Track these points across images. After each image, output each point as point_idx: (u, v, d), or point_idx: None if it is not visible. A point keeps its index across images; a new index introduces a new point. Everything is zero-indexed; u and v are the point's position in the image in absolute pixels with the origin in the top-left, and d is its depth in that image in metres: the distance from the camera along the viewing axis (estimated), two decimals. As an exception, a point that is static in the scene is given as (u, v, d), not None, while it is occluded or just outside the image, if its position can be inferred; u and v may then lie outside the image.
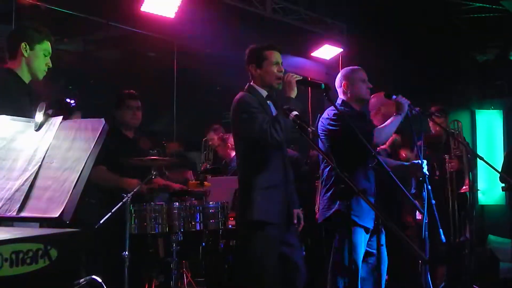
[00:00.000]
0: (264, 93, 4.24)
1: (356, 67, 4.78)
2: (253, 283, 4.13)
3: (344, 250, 4.33)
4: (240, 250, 5.06)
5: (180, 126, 8.73)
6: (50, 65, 3.73)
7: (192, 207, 5.01)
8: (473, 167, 6.94)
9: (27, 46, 3.61)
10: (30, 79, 3.68)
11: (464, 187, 6.61)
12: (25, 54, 3.61)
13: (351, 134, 4.19)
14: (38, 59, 3.65)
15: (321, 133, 4.61)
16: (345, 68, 4.80)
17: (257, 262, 4.08)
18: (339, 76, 4.79)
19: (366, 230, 4.47)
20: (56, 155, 2.38)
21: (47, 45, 3.70)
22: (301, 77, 4.17)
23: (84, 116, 2.72)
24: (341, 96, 4.76)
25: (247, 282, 4.26)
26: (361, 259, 4.46)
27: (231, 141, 6.71)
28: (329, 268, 4.54)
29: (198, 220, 5.00)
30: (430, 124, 6.73)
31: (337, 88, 4.78)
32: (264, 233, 4.05)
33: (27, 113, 3.10)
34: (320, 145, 4.42)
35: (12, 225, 2.51)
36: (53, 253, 1.95)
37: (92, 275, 3.97)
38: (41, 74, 3.70)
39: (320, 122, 4.70)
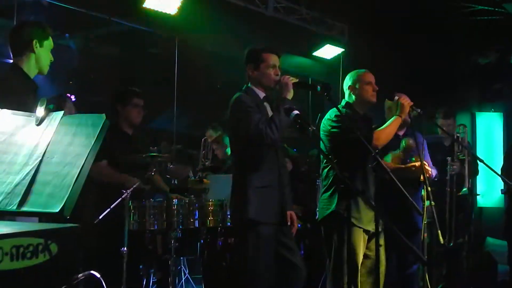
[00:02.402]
0: (261, 94, 4.25)
1: (362, 69, 4.78)
2: (247, 281, 4.13)
3: (343, 251, 4.33)
4: (236, 248, 5.07)
5: (180, 124, 8.73)
6: (53, 59, 3.80)
7: (191, 204, 5.02)
8: (474, 173, 6.92)
9: (37, 43, 3.68)
10: (35, 74, 3.74)
11: (463, 191, 6.58)
12: (36, 51, 3.68)
13: (351, 135, 4.20)
14: (46, 55, 3.74)
15: (323, 133, 4.62)
16: (353, 71, 4.80)
17: (251, 260, 4.08)
18: (346, 78, 4.80)
19: (366, 232, 4.47)
20: (57, 150, 2.38)
21: (51, 41, 3.79)
22: (297, 80, 4.17)
23: (84, 112, 2.72)
24: (346, 98, 4.77)
25: (242, 281, 4.26)
26: (361, 260, 4.46)
27: (226, 140, 6.73)
28: (330, 268, 4.54)
29: (196, 217, 5.01)
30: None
31: (344, 90, 4.80)
32: (258, 232, 4.05)
33: (32, 109, 3.11)
34: (321, 145, 4.43)
35: (12, 220, 2.52)
36: (53, 248, 1.95)
37: (91, 270, 3.98)
38: (46, 69, 3.78)
39: (322, 123, 4.70)
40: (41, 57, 3.71)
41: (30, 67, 3.69)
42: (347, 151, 4.41)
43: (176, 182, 7.03)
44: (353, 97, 4.72)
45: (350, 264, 4.31)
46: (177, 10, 7.20)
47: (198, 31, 7.62)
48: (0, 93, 3.37)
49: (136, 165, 5.02)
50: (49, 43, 3.76)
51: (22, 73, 3.66)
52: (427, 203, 4.65)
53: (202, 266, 5.74)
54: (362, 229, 4.44)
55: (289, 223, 4.23)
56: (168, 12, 7.21)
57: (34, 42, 3.67)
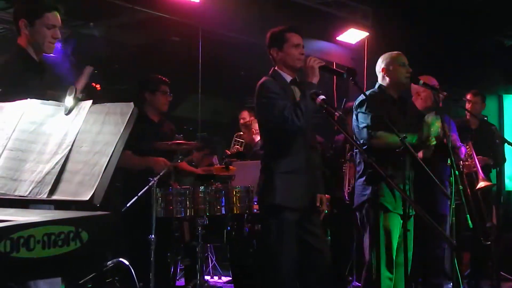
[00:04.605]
0: (288, 78, 4.22)
1: (396, 52, 4.73)
2: (270, 266, 4.14)
3: (378, 237, 4.32)
4: (260, 233, 5.09)
5: (205, 111, 8.73)
6: (59, 36, 3.49)
7: (217, 191, 5.04)
8: (499, 162, 6.80)
9: (26, 23, 3.41)
10: (40, 55, 3.51)
11: (479, 184, 6.42)
12: (26, 32, 3.42)
13: (377, 119, 4.21)
14: (40, 34, 3.42)
15: (354, 118, 4.62)
16: (385, 53, 4.76)
17: (273, 246, 4.09)
18: (378, 61, 4.76)
19: (402, 217, 4.44)
20: (86, 139, 2.39)
21: (50, 17, 3.44)
22: (324, 63, 4.14)
23: (109, 101, 2.62)
24: (379, 81, 4.73)
25: (265, 265, 4.27)
26: (396, 245, 4.43)
27: (255, 126, 6.72)
28: (368, 255, 4.54)
29: (223, 204, 5.03)
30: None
31: (377, 73, 4.76)
32: (281, 217, 4.06)
33: (37, 91, 3.09)
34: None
35: (41, 208, 2.54)
36: (84, 235, 1.97)
37: (119, 257, 4.02)
38: (48, 49, 3.48)
39: (354, 108, 4.70)
40: (34, 38, 3.42)
41: (30, 48, 3.45)
42: None
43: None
44: (387, 79, 4.68)
45: (386, 251, 4.30)
46: (200, -3, 7.19)
47: (221, 19, 7.60)
48: (3, 76, 3.29)
49: (163, 152, 5.05)
50: (43, 20, 3.41)
51: (24, 53, 3.45)
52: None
53: (229, 253, 5.77)
54: (397, 214, 4.41)
55: (318, 204, 4.22)
56: (191, 0, 7.20)
57: (21, 23, 3.41)
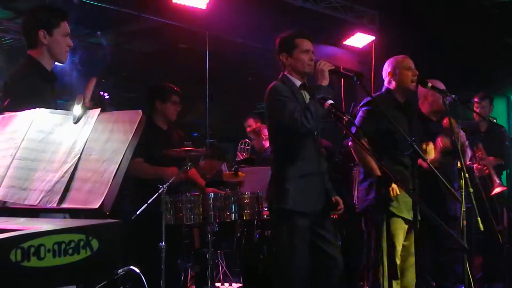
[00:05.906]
0: (298, 82, 4.22)
1: (402, 55, 4.73)
2: (282, 271, 4.14)
3: (383, 242, 4.30)
4: (273, 239, 5.08)
5: (213, 118, 8.75)
6: (71, 44, 3.53)
7: (227, 197, 5.03)
8: (510, 165, 6.74)
9: (45, 33, 3.41)
10: (53, 65, 3.52)
11: (495, 190, 6.38)
12: (45, 42, 3.42)
13: (382, 123, 4.22)
14: (59, 43, 3.45)
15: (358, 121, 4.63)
16: (391, 57, 4.76)
17: (285, 251, 4.09)
18: (385, 65, 4.76)
19: (406, 221, 4.43)
20: (95, 147, 2.40)
21: (64, 26, 3.48)
22: (334, 67, 4.13)
23: (117, 109, 2.62)
24: (386, 85, 4.73)
25: (277, 271, 4.26)
26: (400, 250, 4.42)
27: (264, 132, 6.71)
28: (371, 259, 4.52)
29: (233, 210, 5.02)
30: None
31: (383, 77, 4.76)
32: (293, 223, 4.04)
33: (50, 101, 3.10)
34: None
35: (51, 217, 2.54)
36: (95, 243, 1.97)
37: (130, 265, 4.01)
38: (64, 57, 3.52)
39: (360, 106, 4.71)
40: (53, 47, 3.43)
41: (45, 59, 3.45)
42: (379, 138, 4.40)
43: (208, 176, 7.07)
44: (393, 83, 4.68)
45: (390, 255, 4.28)
46: (206, 4, 7.21)
47: (228, 25, 7.62)
48: (18, 88, 3.29)
49: (171, 160, 5.05)
50: (60, 30, 3.44)
51: (38, 65, 3.44)
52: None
53: (239, 259, 5.75)
54: (401, 219, 4.40)
55: (338, 207, 4.24)
56: (198, 7, 7.22)
57: (41, 33, 3.40)
